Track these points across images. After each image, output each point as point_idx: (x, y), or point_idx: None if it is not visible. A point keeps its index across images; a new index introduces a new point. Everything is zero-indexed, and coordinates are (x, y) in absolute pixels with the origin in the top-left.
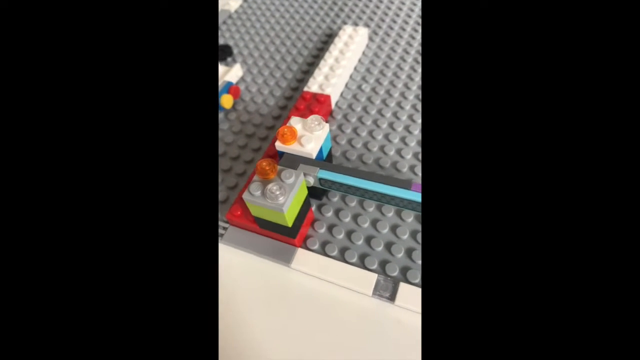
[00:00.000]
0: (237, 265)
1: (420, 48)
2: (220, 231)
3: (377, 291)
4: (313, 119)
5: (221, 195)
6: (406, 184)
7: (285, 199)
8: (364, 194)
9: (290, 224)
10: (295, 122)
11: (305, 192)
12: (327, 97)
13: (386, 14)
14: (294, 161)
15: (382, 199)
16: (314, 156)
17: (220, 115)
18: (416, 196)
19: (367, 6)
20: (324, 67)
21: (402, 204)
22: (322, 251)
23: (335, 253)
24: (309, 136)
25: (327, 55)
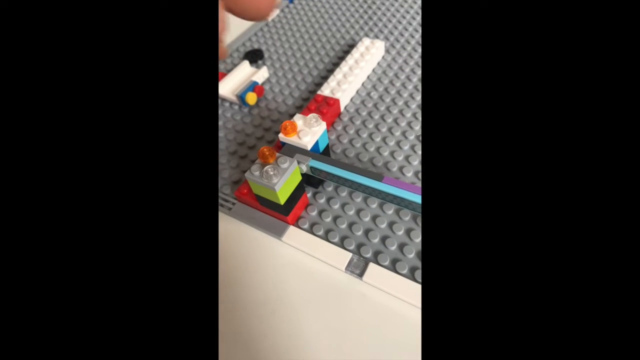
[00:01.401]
0: (239, 234)
1: None
2: (230, 205)
3: (350, 267)
4: (312, 116)
5: (235, 177)
6: (378, 176)
7: (278, 179)
8: (345, 182)
9: (282, 202)
10: (297, 118)
11: (299, 177)
12: (336, 101)
13: (406, 29)
14: (292, 150)
15: (359, 189)
16: (309, 148)
17: (245, 110)
18: (387, 188)
19: (390, 21)
20: (338, 74)
21: (374, 194)
22: (310, 230)
23: (320, 233)
24: (307, 131)
25: (343, 63)
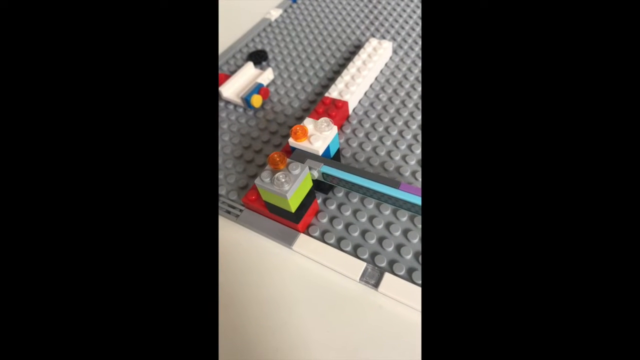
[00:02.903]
0: (247, 243)
1: None
2: (237, 212)
3: (364, 278)
4: (323, 120)
5: (242, 182)
6: (394, 183)
7: (289, 186)
8: (359, 189)
9: (293, 210)
10: (308, 122)
11: (310, 184)
12: (345, 103)
13: (413, 29)
14: (303, 156)
15: (374, 196)
16: (320, 153)
17: (250, 113)
18: (404, 195)
19: (396, 21)
20: (346, 75)
21: (390, 201)
22: (322, 238)
23: (332, 241)
24: (318, 135)
25: (350, 64)
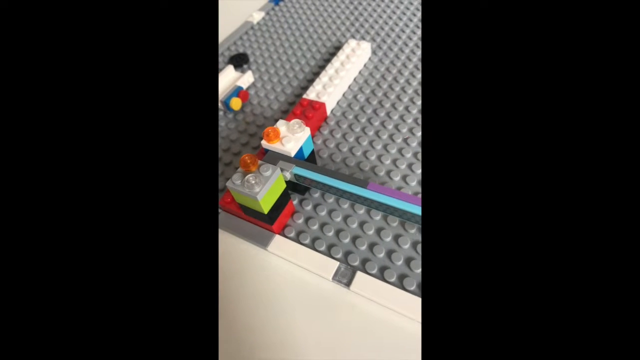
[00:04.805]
0: (224, 245)
1: (418, 63)
2: None
3: (337, 277)
4: (295, 122)
5: (220, 185)
6: (362, 183)
7: (260, 188)
8: (329, 189)
9: (265, 212)
10: (281, 124)
11: (283, 185)
12: (322, 105)
13: (392, 30)
14: (275, 158)
15: (344, 196)
16: (292, 155)
17: (229, 116)
18: (372, 194)
19: (376, 22)
20: (324, 77)
21: (360, 201)
22: (297, 239)
23: (307, 241)
24: (290, 137)
25: (328, 66)
